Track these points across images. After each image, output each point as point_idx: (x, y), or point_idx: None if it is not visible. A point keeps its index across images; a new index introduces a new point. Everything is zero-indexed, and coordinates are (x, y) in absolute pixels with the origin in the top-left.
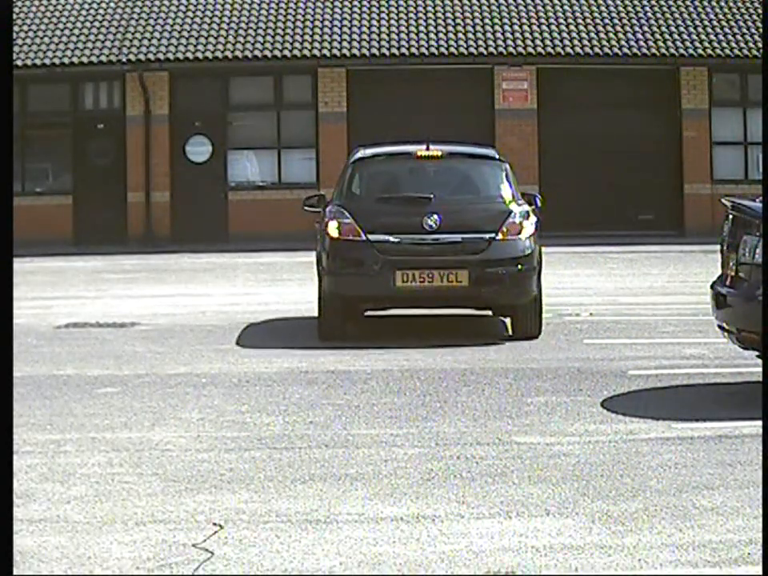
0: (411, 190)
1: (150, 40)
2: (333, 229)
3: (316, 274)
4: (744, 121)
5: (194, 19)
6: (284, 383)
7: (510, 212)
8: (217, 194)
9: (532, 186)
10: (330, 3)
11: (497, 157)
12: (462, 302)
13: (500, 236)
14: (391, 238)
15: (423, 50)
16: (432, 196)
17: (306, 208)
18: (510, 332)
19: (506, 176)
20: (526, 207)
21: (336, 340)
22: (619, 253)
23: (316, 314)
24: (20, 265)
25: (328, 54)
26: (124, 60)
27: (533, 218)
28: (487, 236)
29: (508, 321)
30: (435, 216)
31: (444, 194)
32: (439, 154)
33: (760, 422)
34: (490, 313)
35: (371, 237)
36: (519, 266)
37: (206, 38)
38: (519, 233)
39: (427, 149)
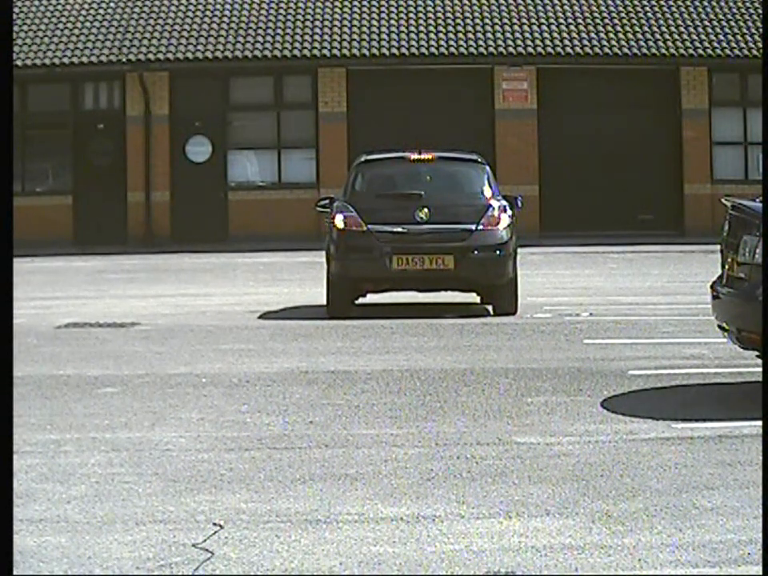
0: (405, 188)
1: (150, 40)
2: (339, 221)
3: (325, 261)
4: (744, 121)
5: (194, 19)
6: (284, 383)
7: (490, 206)
8: (217, 194)
9: (532, 186)
10: (330, 3)
11: (479, 160)
12: (448, 283)
13: (480, 227)
14: (388, 228)
15: (423, 50)
16: (423, 193)
17: (318, 209)
18: (492, 312)
19: (487, 177)
20: (504, 203)
21: (342, 317)
22: (619, 253)
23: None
24: (20, 265)
25: (328, 54)
26: (124, 60)
27: (509, 212)
28: (470, 226)
29: (491, 308)
30: (425, 210)
31: (433, 191)
32: (429, 157)
33: (760, 422)
34: (477, 300)
35: (372, 227)
36: (497, 252)
37: (206, 38)
38: (497, 224)
39: (419, 153)
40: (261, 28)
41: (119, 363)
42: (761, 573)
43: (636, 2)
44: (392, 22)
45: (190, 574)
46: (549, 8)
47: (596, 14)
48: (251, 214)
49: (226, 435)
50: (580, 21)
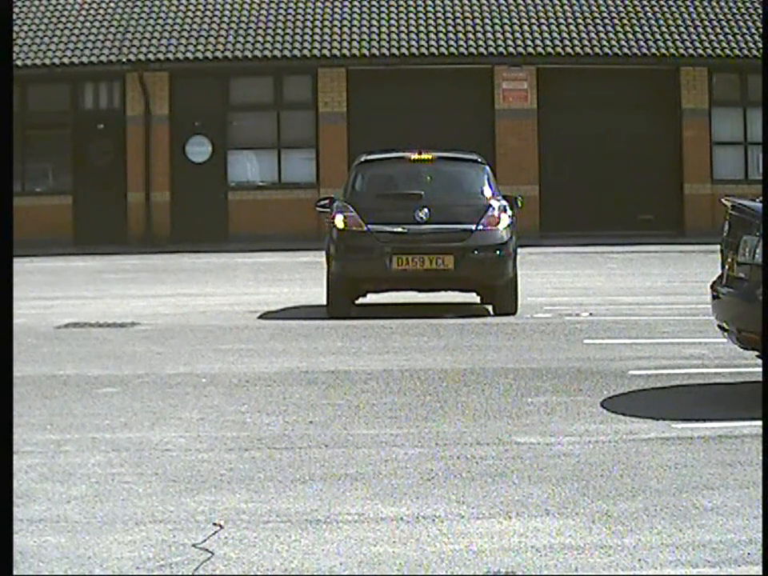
0: (405, 188)
1: (150, 40)
2: (339, 221)
3: (325, 261)
4: (744, 121)
5: (193, 19)
6: (284, 383)
7: (490, 206)
8: (217, 194)
9: (532, 186)
10: (330, 3)
11: (479, 160)
12: (448, 283)
13: (480, 227)
14: (388, 228)
15: (423, 50)
16: (423, 193)
17: (318, 209)
18: (492, 311)
19: (487, 177)
20: (504, 203)
21: (342, 317)
22: (619, 253)
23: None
24: (20, 265)
25: (328, 54)
26: (124, 60)
27: (509, 212)
28: (470, 227)
29: (491, 308)
30: (425, 210)
31: (433, 191)
32: (429, 157)
33: (760, 422)
34: (477, 300)
35: (372, 227)
36: (497, 252)
37: (206, 38)
38: (497, 224)
39: (419, 153)
40: (261, 28)
41: (119, 363)
42: (761, 573)
43: (636, 2)
44: (392, 21)
45: (190, 574)
46: (549, 8)
47: (596, 14)
48: (251, 214)
49: (226, 435)
50: (580, 21)
